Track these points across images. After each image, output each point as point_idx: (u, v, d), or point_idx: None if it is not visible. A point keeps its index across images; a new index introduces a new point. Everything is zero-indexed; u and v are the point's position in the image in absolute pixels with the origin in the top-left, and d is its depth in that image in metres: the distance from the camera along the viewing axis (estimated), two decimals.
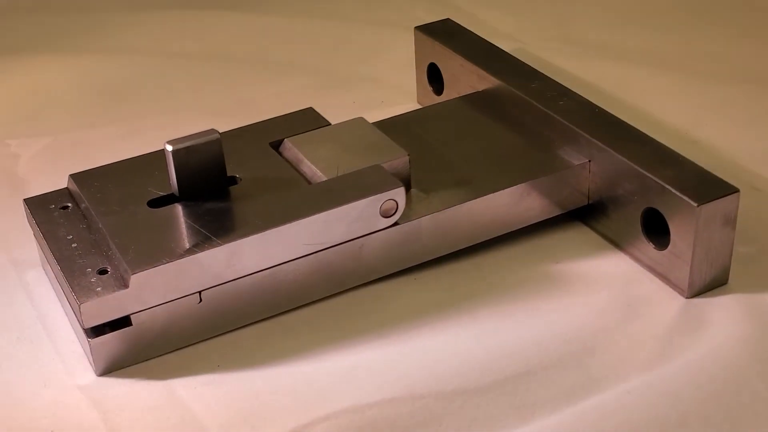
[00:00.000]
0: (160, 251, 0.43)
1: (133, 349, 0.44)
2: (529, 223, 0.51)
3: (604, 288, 0.48)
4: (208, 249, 0.44)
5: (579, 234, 0.52)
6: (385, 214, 0.47)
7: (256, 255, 0.45)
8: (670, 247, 0.47)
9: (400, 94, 0.67)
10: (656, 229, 0.48)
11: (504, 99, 0.57)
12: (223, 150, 0.47)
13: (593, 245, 0.51)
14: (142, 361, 0.44)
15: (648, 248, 0.49)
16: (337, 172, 0.48)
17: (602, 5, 0.78)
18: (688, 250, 0.46)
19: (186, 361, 0.44)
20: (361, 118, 0.53)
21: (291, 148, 0.51)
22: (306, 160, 0.49)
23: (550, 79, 0.57)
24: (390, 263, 0.49)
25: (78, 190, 0.48)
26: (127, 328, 0.43)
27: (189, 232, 0.45)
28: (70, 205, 0.49)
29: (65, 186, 0.50)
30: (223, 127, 0.61)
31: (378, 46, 0.73)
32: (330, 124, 0.53)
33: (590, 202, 0.52)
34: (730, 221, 0.47)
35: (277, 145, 0.52)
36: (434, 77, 0.64)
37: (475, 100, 0.58)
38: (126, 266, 0.43)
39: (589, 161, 0.51)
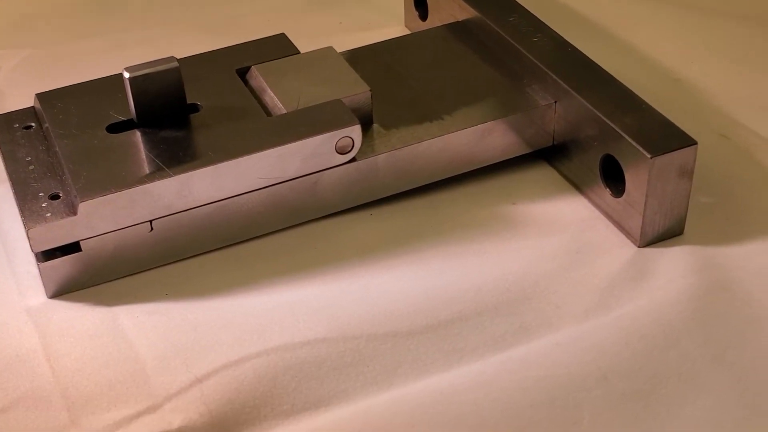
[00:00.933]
0: (112, 179, 0.44)
1: (84, 273, 0.45)
2: (491, 162, 0.51)
3: (556, 232, 0.48)
4: (159, 179, 0.44)
5: (542, 175, 0.52)
6: (341, 151, 0.47)
7: (209, 187, 0.45)
8: (625, 195, 0.47)
9: (387, 16, 0.66)
10: (616, 176, 0.48)
11: (480, 32, 0.56)
12: (182, 78, 0.47)
13: (554, 187, 0.51)
14: (93, 285, 0.45)
15: (605, 194, 0.49)
16: (297, 104, 0.48)
17: None
18: (641, 200, 0.46)
19: (134, 288, 0.45)
20: (331, 48, 0.53)
21: (257, 76, 0.51)
22: (269, 90, 0.50)
23: (530, 13, 0.56)
24: (345, 199, 0.49)
25: (42, 109, 0.49)
26: (77, 253, 0.44)
27: (142, 160, 0.45)
28: (33, 125, 0.49)
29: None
30: (208, 45, 0.61)
31: None
32: (298, 52, 0.53)
33: (555, 143, 0.52)
34: (687, 173, 0.46)
35: (244, 73, 0.52)
36: (421, 1, 0.63)
37: (453, 30, 0.57)
38: (76, 193, 0.43)
39: (555, 102, 0.51)
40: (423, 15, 0.63)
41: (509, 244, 0.47)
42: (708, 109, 0.56)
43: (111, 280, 0.46)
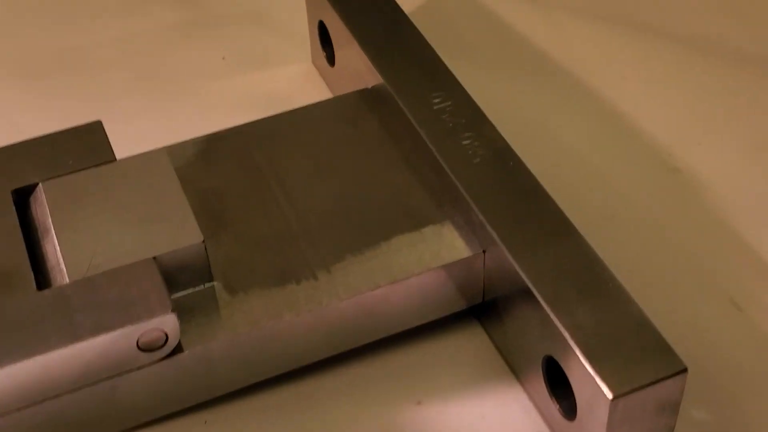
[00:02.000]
0: None
1: None
2: (391, 333, 0.35)
3: None
4: None
5: (466, 345, 0.36)
6: (147, 348, 0.31)
7: None
8: (577, 422, 0.31)
9: (290, 47, 0.49)
10: (565, 381, 0.32)
11: (390, 113, 0.39)
12: None
13: (482, 371, 0.35)
14: None
15: (551, 405, 0.33)
16: (86, 268, 0.32)
17: None
18: None
19: None
20: (162, 153, 0.36)
21: (42, 203, 0.34)
22: (52, 232, 0.33)
23: (461, 89, 0.38)
24: (164, 404, 0.33)
25: None
26: None
27: None
28: None
29: None
30: (32, 100, 0.45)
31: None
32: (113, 160, 0.36)
33: (485, 299, 0.36)
34: (670, 408, 0.30)
35: (28, 191, 0.35)
36: (327, 37, 0.46)
37: (357, 104, 0.40)
38: None
39: (484, 252, 0.34)
40: (330, 58, 0.46)
41: None
42: (717, 227, 0.39)
43: None
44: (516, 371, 0.35)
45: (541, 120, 0.44)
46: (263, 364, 0.34)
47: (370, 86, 0.41)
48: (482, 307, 0.36)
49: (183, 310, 0.32)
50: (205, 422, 0.33)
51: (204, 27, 0.49)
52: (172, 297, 0.32)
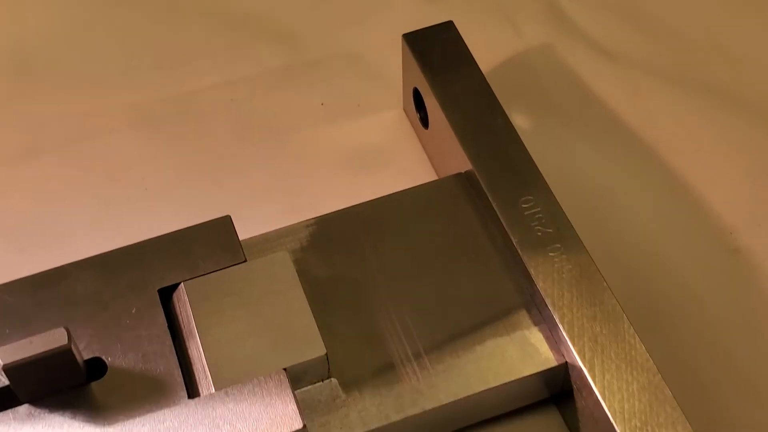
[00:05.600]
0: None
1: None
2: (480, 420, 0.41)
3: None
4: None
5: (543, 424, 0.41)
6: None
7: None
8: None
9: (383, 92, 0.52)
10: None
11: (485, 207, 0.43)
12: (76, 359, 0.36)
13: None
14: None
15: None
16: (229, 377, 0.37)
17: None
18: None
19: None
20: (285, 256, 0.40)
21: (185, 304, 0.39)
22: (197, 338, 0.38)
23: (549, 193, 0.42)
24: None
25: None
26: None
27: None
28: None
29: None
30: (151, 144, 0.51)
31: (365, 3, 0.56)
32: (244, 260, 0.41)
33: (563, 390, 0.41)
34: None
35: (170, 290, 0.40)
36: (422, 102, 0.49)
37: (454, 191, 0.44)
38: None
39: (567, 363, 0.39)
40: (424, 120, 0.49)
41: None
42: None
43: None
44: None
45: (610, 187, 0.48)
46: None
47: (463, 171, 0.45)
48: (560, 396, 0.41)
49: (305, 404, 0.38)
50: None
51: (304, 70, 0.53)
52: (296, 391, 0.38)
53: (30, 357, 0.35)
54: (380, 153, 0.50)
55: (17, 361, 0.35)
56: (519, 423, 0.41)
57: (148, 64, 0.53)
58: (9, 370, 0.35)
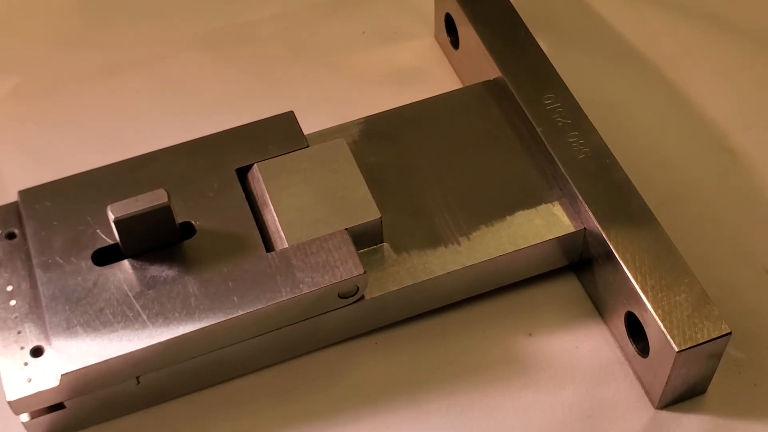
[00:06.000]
0: (96, 342, 0.41)
1: (68, 425, 0.43)
2: (509, 283, 0.48)
3: (572, 383, 0.45)
4: (145, 343, 0.41)
5: (565, 290, 0.48)
6: (344, 296, 0.44)
7: (198, 345, 0.42)
8: (648, 359, 0.44)
9: (417, 22, 0.59)
10: (642, 330, 0.44)
11: (511, 106, 0.50)
12: (172, 214, 0.43)
13: (576, 311, 0.47)
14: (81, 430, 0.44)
15: (628, 344, 0.45)
16: (299, 234, 0.44)
17: None
18: (664, 374, 0.43)
19: None
20: (342, 142, 0.47)
21: (258, 180, 0.46)
22: (270, 205, 0.45)
23: (568, 92, 0.49)
24: (348, 332, 0.46)
25: (25, 217, 0.45)
26: (61, 410, 0.42)
27: (129, 315, 0.42)
28: (16, 233, 0.46)
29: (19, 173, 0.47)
30: (216, 65, 0.57)
31: None
32: (307, 145, 0.47)
33: (582, 258, 0.48)
34: (716, 356, 0.43)
35: (245, 170, 0.47)
36: (453, 26, 0.56)
37: (484, 92, 0.51)
38: (58, 361, 0.41)
39: (585, 229, 0.46)
40: (455, 42, 0.56)
41: (520, 398, 0.44)
42: (763, 204, 0.51)
43: (99, 423, 0.44)
44: (602, 314, 0.47)
45: (619, 100, 0.55)
46: (418, 305, 0.46)
47: (491, 78, 0.52)
48: (578, 264, 0.48)
49: (362, 263, 0.45)
50: (376, 343, 0.46)
51: (347, 4, 0.60)
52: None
53: (136, 211, 0.42)
54: (415, 72, 0.57)
55: (126, 214, 0.42)
56: (543, 288, 0.48)
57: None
58: (119, 222, 0.42)
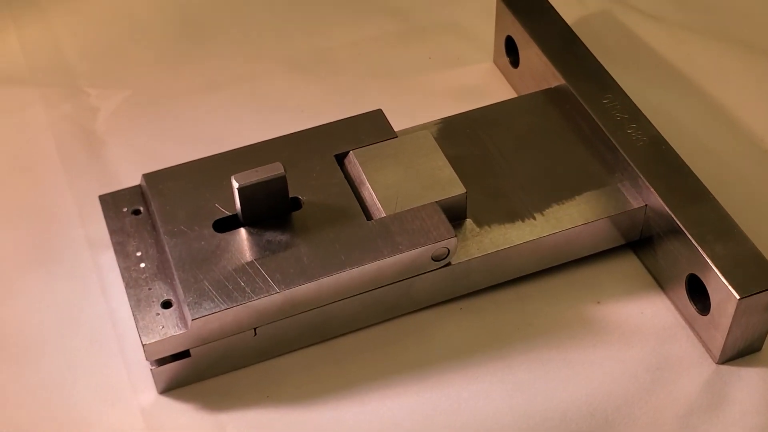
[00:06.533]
0: (220, 293, 0.46)
1: (192, 374, 0.48)
2: (579, 257, 0.53)
3: (639, 342, 0.50)
4: (265, 296, 0.46)
5: (627, 266, 0.53)
6: (437, 259, 0.49)
7: (311, 298, 0.47)
8: (709, 316, 0.49)
9: (477, 50, 0.66)
10: (701, 290, 0.50)
11: (572, 108, 0.56)
12: (287, 185, 0.49)
13: (638, 284, 0.53)
14: (200, 381, 0.49)
15: (689, 305, 0.50)
16: (395, 207, 0.50)
17: None
18: (725, 326, 0.48)
19: (238, 388, 0.48)
20: (427, 133, 0.53)
21: (355, 164, 0.52)
22: (367, 184, 0.51)
23: (624, 93, 0.56)
24: (437, 296, 0.51)
25: (149, 195, 0.51)
26: (186, 358, 0.47)
27: (249, 270, 0.47)
28: (141, 210, 0.51)
29: (140, 162, 0.53)
30: (302, 84, 0.63)
31: None
32: (395, 136, 0.53)
33: (642, 236, 0.53)
34: None
35: (342, 156, 0.53)
36: (512, 48, 0.63)
37: (545, 99, 0.57)
38: (188, 309, 0.46)
39: (646, 205, 0.52)
40: (514, 62, 0.63)
41: (593, 353, 0.49)
42: None
43: (217, 375, 0.49)
44: (661, 284, 0.52)
45: (664, 109, 0.61)
46: (498, 273, 0.51)
47: (552, 86, 0.58)
48: (638, 243, 0.53)
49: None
50: (461, 309, 0.51)
51: (414, 34, 0.67)
52: None
53: (257, 180, 0.48)
54: (477, 89, 0.63)
55: (248, 182, 0.48)
56: (607, 265, 0.53)
57: (294, 27, 0.67)
58: (241, 189, 0.48)
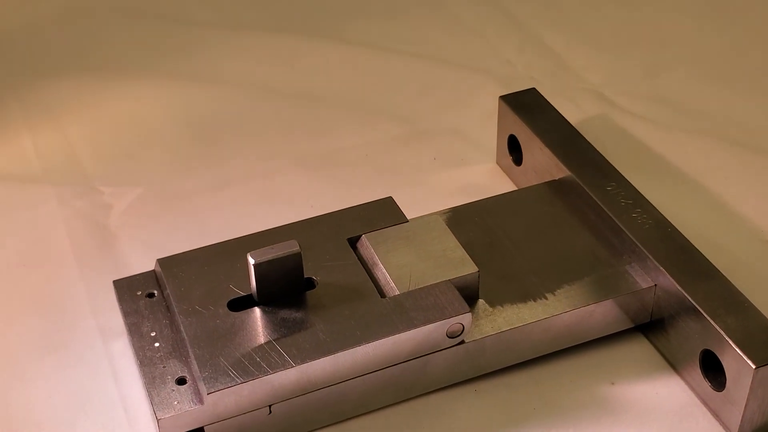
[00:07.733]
0: (236, 368, 0.46)
1: None
2: (591, 339, 0.53)
3: (655, 421, 0.49)
4: (280, 370, 0.46)
5: (638, 349, 0.53)
6: (451, 336, 0.49)
7: (326, 374, 0.47)
8: (724, 391, 0.49)
9: (480, 152, 0.68)
10: (715, 366, 0.50)
11: (577, 197, 0.57)
12: (302, 262, 0.49)
13: (651, 365, 0.53)
14: None
15: (704, 383, 0.50)
16: (408, 285, 0.50)
17: (696, 57, 0.77)
18: (741, 401, 0.48)
19: None
20: (437, 217, 0.54)
21: (367, 247, 0.53)
22: (380, 264, 0.51)
23: (627, 181, 0.57)
24: (452, 376, 0.51)
25: (164, 278, 0.51)
26: None
27: (264, 347, 0.47)
28: (155, 293, 0.52)
29: (153, 251, 0.54)
30: (311, 181, 0.64)
31: (463, 94, 0.73)
32: (407, 221, 0.54)
33: (652, 318, 0.53)
34: None
35: (354, 240, 0.54)
36: (515, 146, 0.65)
37: (550, 191, 0.59)
38: (203, 383, 0.46)
39: (655, 285, 0.52)
40: (517, 160, 0.65)
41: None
42: None
43: None
44: (674, 365, 0.52)
45: (663, 202, 0.62)
46: (512, 353, 0.51)
47: (556, 178, 0.59)
48: (648, 325, 0.54)
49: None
50: (475, 390, 0.51)
51: (419, 137, 0.69)
52: None
53: (273, 256, 0.48)
54: (481, 187, 0.65)
55: (264, 259, 0.48)
56: (618, 348, 0.53)
57: (303, 131, 0.69)
58: (257, 266, 0.48)
